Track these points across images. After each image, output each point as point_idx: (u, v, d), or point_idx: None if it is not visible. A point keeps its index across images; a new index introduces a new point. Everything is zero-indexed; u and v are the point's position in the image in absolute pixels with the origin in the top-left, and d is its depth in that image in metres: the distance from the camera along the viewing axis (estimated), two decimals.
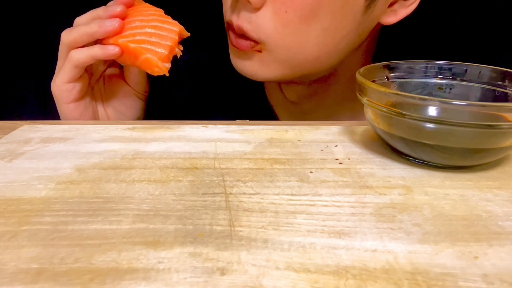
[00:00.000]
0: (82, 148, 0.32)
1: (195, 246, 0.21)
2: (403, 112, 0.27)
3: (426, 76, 0.36)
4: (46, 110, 0.46)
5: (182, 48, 0.42)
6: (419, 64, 0.36)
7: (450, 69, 0.35)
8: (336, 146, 0.33)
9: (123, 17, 0.40)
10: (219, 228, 0.22)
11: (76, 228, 0.22)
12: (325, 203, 0.24)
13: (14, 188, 0.26)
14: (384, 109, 0.28)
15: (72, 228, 0.22)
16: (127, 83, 0.45)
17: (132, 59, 0.39)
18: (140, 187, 0.26)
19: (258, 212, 0.23)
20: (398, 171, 0.29)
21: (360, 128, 0.37)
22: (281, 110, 0.56)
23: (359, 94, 0.31)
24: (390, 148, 0.32)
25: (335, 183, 0.27)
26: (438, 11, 0.55)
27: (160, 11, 0.42)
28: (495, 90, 0.33)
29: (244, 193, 0.26)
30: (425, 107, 0.27)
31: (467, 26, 0.57)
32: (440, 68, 0.35)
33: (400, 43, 0.52)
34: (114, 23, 0.38)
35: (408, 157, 0.30)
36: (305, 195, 0.25)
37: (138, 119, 0.47)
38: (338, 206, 0.24)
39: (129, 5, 0.41)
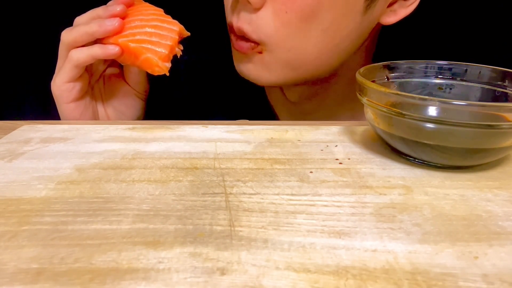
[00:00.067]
0: (82, 148, 0.32)
1: (195, 246, 0.21)
2: (403, 112, 0.27)
3: (426, 76, 0.36)
4: (46, 110, 0.46)
5: (182, 48, 0.42)
6: (419, 64, 0.36)
7: (450, 69, 0.35)
8: (336, 146, 0.33)
9: (123, 16, 0.40)
10: (219, 228, 0.22)
11: (76, 228, 0.22)
12: (325, 203, 0.24)
13: (14, 188, 0.26)
14: (384, 109, 0.28)
15: (72, 228, 0.22)
16: (127, 83, 0.45)
17: (132, 58, 0.39)
18: (140, 187, 0.26)
19: (258, 212, 0.23)
20: (398, 171, 0.29)
21: (360, 128, 0.37)
22: (281, 110, 0.56)
23: (359, 94, 0.31)
24: (390, 148, 0.32)
25: (335, 183, 0.27)
26: (438, 11, 0.55)
27: (160, 11, 0.42)
28: (495, 90, 0.33)
29: (244, 193, 0.26)
30: (425, 107, 0.27)
31: (467, 26, 0.57)
32: (440, 68, 0.35)
33: (400, 43, 0.52)
34: (114, 23, 0.38)
35: (408, 157, 0.30)
36: (305, 195, 0.25)
37: (138, 119, 0.47)
38: (338, 206, 0.24)
39: (129, 5, 0.41)
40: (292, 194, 0.25)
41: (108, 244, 0.21)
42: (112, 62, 0.45)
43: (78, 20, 0.41)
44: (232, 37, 0.44)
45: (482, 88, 0.34)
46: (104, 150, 0.32)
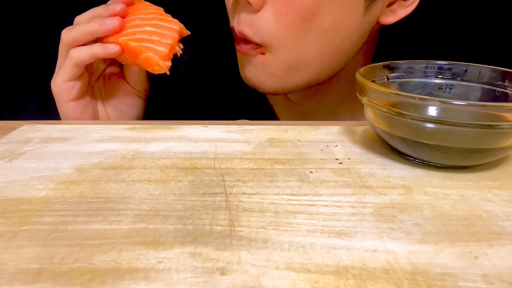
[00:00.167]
0: (82, 148, 0.32)
1: (195, 246, 0.21)
2: (403, 112, 0.27)
3: (426, 76, 0.36)
4: (46, 110, 0.46)
5: (182, 47, 0.41)
6: (419, 64, 0.36)
7: (450, 69, 0.35)
8: (336, 146, 0.33)
9: (123, 15, 0.40)
10: (219, 228, 0.22)
11: (76, 228, 0.22)
12: (325, 203, 0.24)
13: (14, 188, 0.26)
14: (384, 109, 0.28)
15: (72, 228, 0.22)
16: (127, 82, 0.45)
17: (132, 57, 0.39)
18: (140, 187, 0.26)
19: (258, 212, 0.23)
20: (398, 171, 0.29)
21: (360, 128, 0.37)
22: (281, 110, 0.56)
23: (359, 94, 0.31)
24: (390, 148, 0.32)
25: (335, 183, 0.27)
26: (438, 11, 0.55)
27: (160, 10, 0.42)
28: (495, 90, 0.33)
29: (244, 193, 0.26)
30: (425, 107, 0.27)
31: (467, 26, 0.57)
32: (440, 68, 0.35)
33: (400, 43, 0.52)
34: (115, 22, 0.38)
35: (408, 157, 0.30)
36: (305, 195, 0.25)
37: (138, 118, 0.47)
38: (338, 206, 0.24)
39: (129, 4, 0.41)
40: (292, 194, 0.25)
41: (108, 244, 0.21)
42: (112, 61, 0.45)
43: (79, 19, 0.41)
44: (235, 40, 0.44)
45: (482, 88, 0.34)
46: (104, 150, 0.32)
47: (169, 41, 0.39)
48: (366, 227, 0.22)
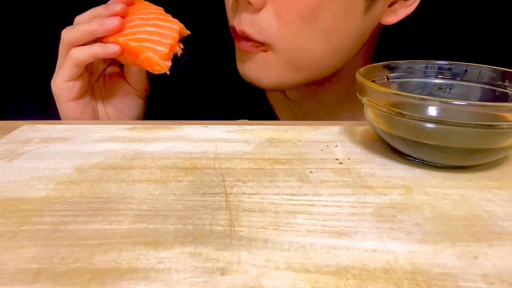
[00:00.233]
0: (82, 148, 0.32)
1: (195, 246, 0.21)
2: (403, 112, 0.27)
3: (426, 76, 0.36)
4: (46, 110, 0.46)
5: (182, 46, 0.42)
6: (419, 64, 0.36)
7: (450, 69, 0.35)
8: (336, 146, 0.33)
9: (123, 15, 0.40)
10: (219, 228, 0.22)
11: (76, 228, 0.22)
12: (325, 203, 0.24)
13: (14, 188, 0.26)
14: (384, 109, 0.28)
15: (72, 228, 0.22)
16: (128, 82, 0.45)
17: (132, 57, 0.39)
18: (140, 187, 0.26)
19: (258, 212, 0.23)
20: (398, 171, 0.29)
21: (360, 128, 0.37)
22: (281, 110, 0.56)
23: (359, 94, 0.31)
24: (390, 148, 0.32)
25: (335, 183, 0.27)
26: (438, 11, 0.55)
27: (160, 9, 0.42)
28: (495, 90, 0.33)
29: (244, 193, 0.26)
30: (425, 107, 0.27)
31: (467, 26, 0.57)
32: (440, 68, 0.35)
33: (400, 43, 0.52)
34: (115, 21, 0.38)
35: (408, 157, 0.30)
36: (305, 195, 0.25)
37: (138, 118, 0.47)
38: (338, 206, 0.24)
39: (129, 4, 0.41)
40: (292, 194, 0.25)
41: (108, 244, 0.21)
42: (112, 61, 0.45)
43: (79, 19, 0.41)
44: (236, 37, 0.44)
45: (482, 88, 0.34)
46: (104, 150, 0.32)
47: (169, 41, 0.39)
48: (366, 227, 0.22)
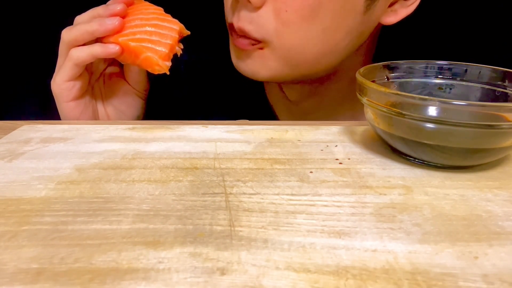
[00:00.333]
0: (82, 148, 0.32)
1: (195, 246, 0.21)
2: (403, 112, 0.27)
3: (426, 76, 0.36)
4: (47, 110, 0.46)
5: (182, 47, 0.42)
6: (419, 64, 0.36)
7: (450, 69, 0.35)
8: (336, 146, 0.33)
9: (123, 15, 0.40)
10: (219, 228, 0.22)
11: (76, 228, 0.22)
12: (325, 203, 0.24)
13: (14, 188, 0.26)
14: (384, 109, 0.28)
15: (72, 228, 0.22)
16: (127, 82, 0.45)
17: (132, 57, 0.39)
18: (140, 187, 0.26)
19: (258, 212, 0.23)
20: (398, 171, 0.29)
21: (360, 128, 0.37)
22: (281, 110, 0.56)
23: (359, 94, 0.31)
24: (390, 148, 0.32)
25: (335, 183, 0.27)
26: (438, 11, 0.55)
27: (160, 10, 0.42)
28: (495, 90, 0.33)
29: (244, 193, 0.26)
30: (425, 107, 0.27)
31: (467, 26, 0.57)
32: (440, 68, 0.35)
33: (400, 43, 0.52)
34: (115, 22, 0.38)
35: (408, 157, 0.30)
36: (305, 195, 0.25)
37: (138, 118, 0.47)
38: (338, 206, 0.24)
39: (129, 4, 0.41)
40: (292, 194, 0.25)
41: (108, 244, 0.21)
42: (112, 61, 0.45)
43: (79, 19, 0.41)
44: (233, 35, 0.44)
45: (482, 88, 0.34)
46: (104, 150, 0.32)
47: (169, 41, 0.39)
48: (366, 227, 0.22)
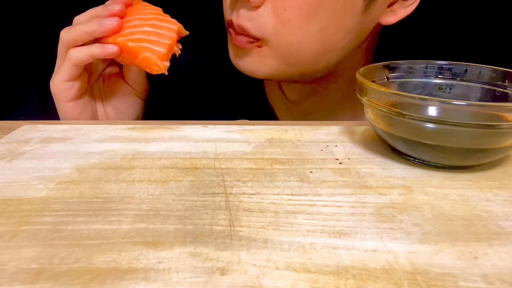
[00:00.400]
0: (82, 148, 0.32)
1: (195, 246, 0.21)
2: (403, 112, 0.27)
3: (426, 76, 0.36)
4: (47, 110, 0.46)
5: (181, 47, 0.42)
6: (419, 64, 0.36)
7: (450, 69, 0.35)
8: (336, 146, 0.33)
9: (122, 16, 0.40)
10: (219, 228, 0.22)
11: (76, 228, 0.22)
12: (325, 203, 0.24)
13: (14, 188, 0.26)
14: (384, 109, 0.28)
15: (72, 228, 0.22)
16: (127, 82, 0.45)
17: (131, 58, 0.39)
18: (140, 187, 0.26)
19: (258, 212, 0.23)
20: (398, 171, 0.29)
21: (360, 128, 0.37)
22: (281, 110, 0.56)
23: (359, 94, 0.31)
24: (390, 148, 0.32)
25: (335, 183, 0.27)
26: (438, 11, 0.55)
27: (158, 10, 0.42)
28: (495, 90, 0.33)
29: (244, 193, 0.26)
30: (425, 107, 0.27)
31: (467, 26, 0.57)
32: (440, 68, 0.35)
33: (400, 43, 0.52)
34: (113, 22, 0.38)
35: (408, 157, 0.30)
36: (305, 195, 0.25)
37: (138, 118, 0.47)
38: (338, 206, 0.24)
39: (128, 4, 0.41)
40: (292, 194, 0.25)
41: (108, 244, 0.21)
42: (111, 62, 0.45)
43: (77, 19, 0.41)
44: (231, 32, 0.44)
45: (482, 88, 0.34)
46: (104, 150, 0.32)
47: (167, 41, 0.39)
48: (366, 227, 0.22)
